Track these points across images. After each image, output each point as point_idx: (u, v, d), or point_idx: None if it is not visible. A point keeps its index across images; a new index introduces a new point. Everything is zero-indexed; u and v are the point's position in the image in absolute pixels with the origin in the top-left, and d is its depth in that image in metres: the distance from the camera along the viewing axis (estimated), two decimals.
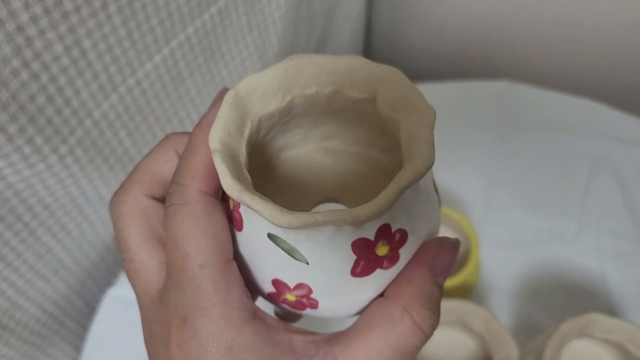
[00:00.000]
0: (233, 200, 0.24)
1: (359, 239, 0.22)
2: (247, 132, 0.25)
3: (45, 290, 0.59)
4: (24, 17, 0.41)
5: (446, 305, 0.50)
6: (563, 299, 0.60)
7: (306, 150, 0.30)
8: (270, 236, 0.22)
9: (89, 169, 0.55)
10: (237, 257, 0.24)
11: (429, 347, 0.53)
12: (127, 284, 0.62)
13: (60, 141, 0.50)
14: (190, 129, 0.70)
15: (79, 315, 0.67)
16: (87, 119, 0.52)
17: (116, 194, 0.26)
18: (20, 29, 0.42)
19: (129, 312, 0.60)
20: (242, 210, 0.23)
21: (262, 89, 0.26)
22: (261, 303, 0.26)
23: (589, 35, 0.77)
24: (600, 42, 0.78)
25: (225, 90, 0.27)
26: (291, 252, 0.22)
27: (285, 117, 0.26)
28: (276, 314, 0.32)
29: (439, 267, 0.23)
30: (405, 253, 0.23)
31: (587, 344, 0.52)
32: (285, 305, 0.26)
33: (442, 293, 0.23)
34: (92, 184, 0.57)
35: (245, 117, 0.25)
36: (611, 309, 0.59)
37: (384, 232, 0.22)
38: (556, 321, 0.49)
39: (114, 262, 0.70)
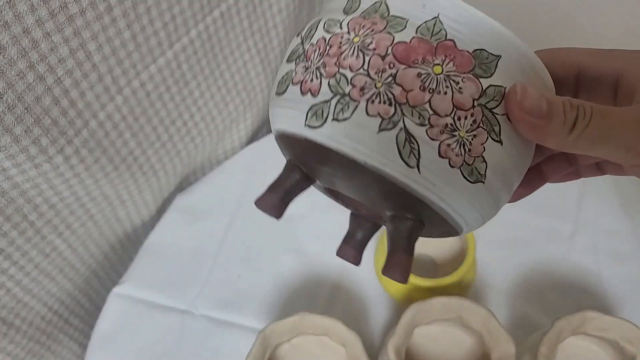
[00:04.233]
0: None
1: None
2: (267, 355, 0.49)
3: (50, 289, 0.59)
4: (29, 20, 0.41)
5: (444, 302, 0.50)
6: (559, 297, 0.60)
7: None
8: None
9: (94, 169, 0.55)
10: None
11: (427, 344, 0.53)
12: (132, 282, 0.63)
13: (66, 142, 0.51)
14: (193, 130, 0.71)
15: (83, 313, 0.67)
16: (92, 120, 0.53)
17: None
18: (26, 31, 0.42)
19: (134, 310, 0.61)
20: None
21: (280, 330, 0.50)
22: None
23: (586, 39, 0.77)
24: (597, 46, 0.78)
25: None
26: None
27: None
28: None
29: None
30: None
31: (583, 341, 0.52)
32: None
33: None
34: (97, 183, 0.57)
35: (267, 346, 0.49)
36: (606, 307, 0.59)
37: None
38: (552, 319, 0.49)
39: (119, 260, 0.70)
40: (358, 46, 0.24)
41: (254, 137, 0.79)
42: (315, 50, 0.25)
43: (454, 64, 0.23)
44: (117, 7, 0.49)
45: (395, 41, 0.23)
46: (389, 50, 0.23)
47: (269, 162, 0.73)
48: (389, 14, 0.24)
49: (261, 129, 0.81)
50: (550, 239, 0.64)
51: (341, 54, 0.24)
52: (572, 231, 0.65)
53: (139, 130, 0.59)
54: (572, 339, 0.52)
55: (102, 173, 0.57)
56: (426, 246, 0.61)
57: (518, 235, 0.64)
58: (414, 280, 0.54)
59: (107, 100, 0.53)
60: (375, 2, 0.24)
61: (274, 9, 0.67)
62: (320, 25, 0.26)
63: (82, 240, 0.61)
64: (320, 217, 0.67)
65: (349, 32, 0.24)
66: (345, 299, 0.61)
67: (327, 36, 0.25)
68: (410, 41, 0.23)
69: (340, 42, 0.24)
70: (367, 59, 0.23)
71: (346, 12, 0.25)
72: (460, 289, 0.56)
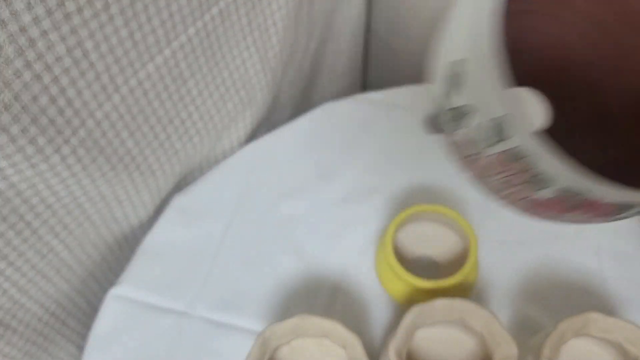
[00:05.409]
0: None
1: None
2: (266, 358, 0.49)
3: (47, 290, 0.59)
4: (26, 18, 0.41)
5: (446, 304, 0.49)
6: (562, 298, 0.59)
7: None
8: None
9: (91, 168, 0.55)
10: None
11: (429, 346, 0.53)
12: (129, 283, 0.63)
13: (63, 141, 0.50)
14: (191, 130, 0.71)
15: (81, 314, 0.67)
16: (89, 119, 0.52)
17: None
18: (22, 30, 0.41)
19: (131, 311, 0.61)
20: None
21: (280, 332, 0.49)
22: None
23: None
24: None
25: None
26: None
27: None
28: None
29: None
30: None
31: (586, 343, 0.52)
32: None
33: None
34: (94, 183, 0.57)
35: (266, 348, 0.49)
36: (610, 308, 0.59)
37: None
38: (555, 320, 0.49)
39: (116, 261, 0.70)
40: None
41: (253, 136, 0.78)
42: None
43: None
44: (115, 4, 0.48)
45: (534, 197, 0.25)
46: (529, 197, 0.25)
47: (268, 161, 0.73)
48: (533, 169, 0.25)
49: (260, 128, 0.80)
50: (553, 240, 0.63)
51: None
52: (575, 231, 0.64)
53: (136, 129, 0.59)
54: (575, 340, 0.52)
55: (99, 173, 0.57)
56: (428, 247, 0.61)
57: (521, 236, 0.64)
58: (415, 281, 0.54)
59: (104, 99, 0.53)
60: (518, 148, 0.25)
61: (273, 6, 0.66)
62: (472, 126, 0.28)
63: (79, 241, 0.61)
64: (320, 217, 0.67)
65: (494, 165, 0.26)
66: (345, 300, 0.61)
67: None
68: (547, 199, 0.26)
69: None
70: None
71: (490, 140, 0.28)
72: (462, 291, 0.56)
